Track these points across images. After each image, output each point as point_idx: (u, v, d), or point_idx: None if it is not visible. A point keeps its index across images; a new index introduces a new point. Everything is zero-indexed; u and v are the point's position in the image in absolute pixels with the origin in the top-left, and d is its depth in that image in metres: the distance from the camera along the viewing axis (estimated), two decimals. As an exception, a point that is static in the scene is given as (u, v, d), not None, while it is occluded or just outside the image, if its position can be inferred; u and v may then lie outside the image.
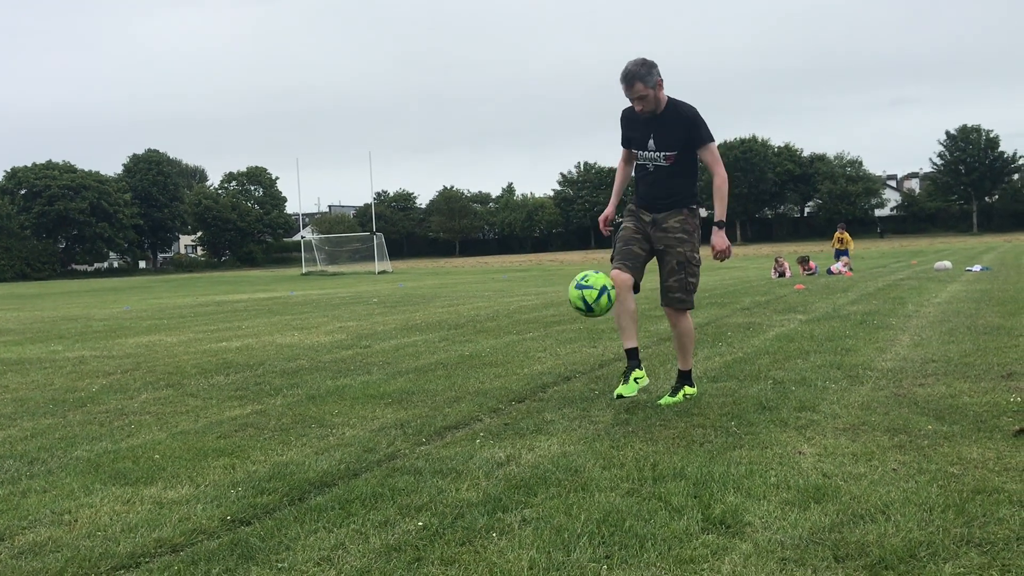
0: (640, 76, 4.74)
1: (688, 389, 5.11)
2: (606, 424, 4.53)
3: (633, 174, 5.24)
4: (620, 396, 4.82)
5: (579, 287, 4.91)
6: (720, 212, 4.88)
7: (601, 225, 5.29)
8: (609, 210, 5.26)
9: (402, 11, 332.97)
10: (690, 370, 5.17)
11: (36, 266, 77.46)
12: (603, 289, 4.86)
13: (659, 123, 4.89)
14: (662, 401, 4.99)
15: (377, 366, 7.17)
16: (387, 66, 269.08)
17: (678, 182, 4.96)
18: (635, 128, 5.01)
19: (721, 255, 4.93)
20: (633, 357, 4.92)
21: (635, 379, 4.86)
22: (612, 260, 5.07)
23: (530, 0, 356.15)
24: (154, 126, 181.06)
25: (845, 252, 22.87)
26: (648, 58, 4.80)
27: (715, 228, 4.92)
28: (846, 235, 23.14)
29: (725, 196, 4.90)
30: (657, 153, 4.93)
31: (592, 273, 5.00)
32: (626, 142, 5.14)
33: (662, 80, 4.81)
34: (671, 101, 4.90)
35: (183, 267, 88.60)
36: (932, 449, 3.76)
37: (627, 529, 2.92)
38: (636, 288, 4.99)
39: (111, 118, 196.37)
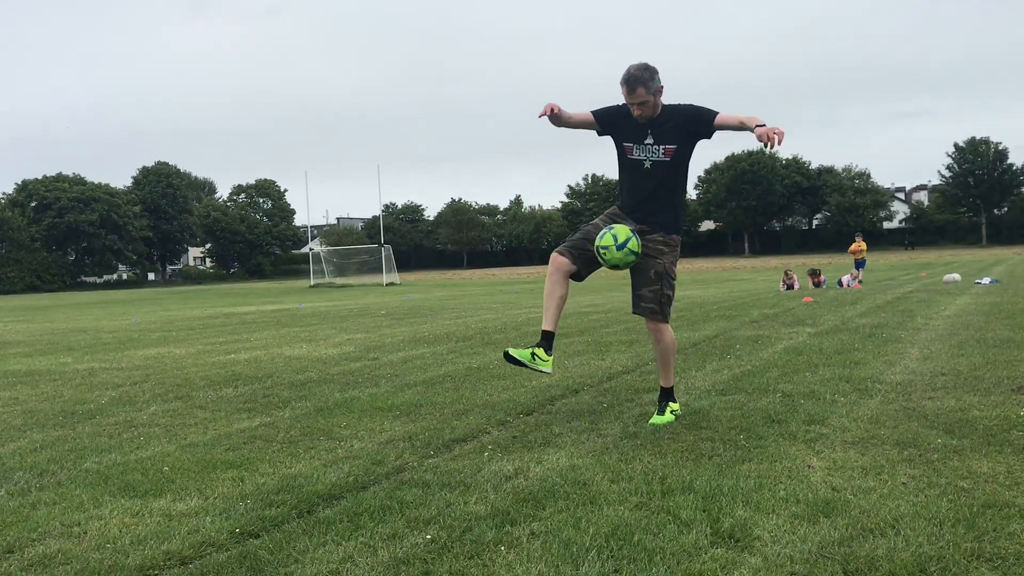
0: (643, 81, 4.68)
1: (673, 405, 4.99)
2: (614, 437, 4.53)
3: (621, 173, 5.03)
4: (511, 357, 4.75)
5: (635, 233, 4.73)
6: (752, 120, 4.55)
7: (546, 110, 4.79)
8: (563, 111, 4.86)
9: (411, 24, 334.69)
10: (672, 387, 5.06)
11: (46, 278, 77.84)
12: (638, 254, 4.75)
13: (656, 124, 4.81)
14: (652, 421, 4.87)
15: (385, 378, 7.17)
16: (396, 79, 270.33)
17: (672, 187, 4.87)
18: (632, 123, 4.85)
19: (768, 132, 4.38)
20: (547, 339, 4.82)
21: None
22: (563, 242, 4.93)
23: (538, 13, 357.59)
24: (164, 138, 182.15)
25: (863, 262, 23.41)
26: (650, 63, 4.75)
27: (757, 128, 4.48)
28: (863, 245, 23.91)
29: (752, 116, 4.61)
30: (657, 147, 4.81)
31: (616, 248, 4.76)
32: (607, 125, 4.92)
33: (663, 87, 4.77)
34: (666, 106, 4.83)
35: (192, 279, 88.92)
36: (942, 463, 3.74)
37: (636, 543, 2.91)
38: (579, 278, 4.91)
39: (121, 131, 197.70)
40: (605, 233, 4.76)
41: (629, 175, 4.97)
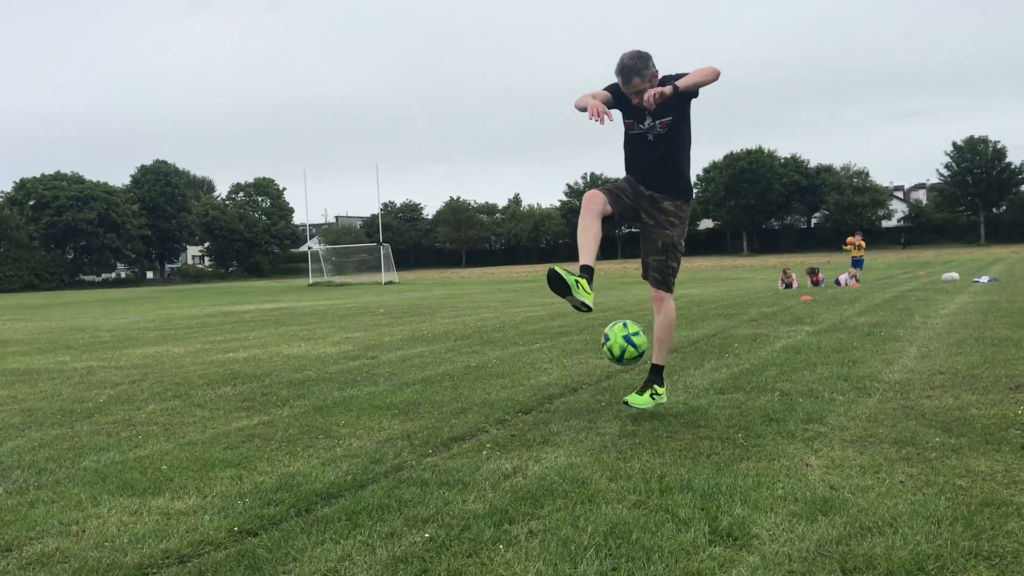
0: (637, 71, 4.69)
1: (658, 388, 4.98)
2: (613, 436, 4.53)
3: (626, 146, 5.06)
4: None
5: (627, 339, 4.99)
6: (683, 81, 4.61)
7: (596, 113, 4.65)
8: (604, 101, 4.84)
9: (410, 22, 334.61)
10: (663, 367, 5.08)
11: (44, 276, 77.79)
12: (642, 354, 5.04)
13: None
14: (628, 398, 4.92)
15: (384, 377, 7.17)
16: (394, 77, 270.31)
17: (676, 157, 4.89)
18: (630, 102, 4.87)
19: (646, 96, 4.50)
20: (587, 272, 4.65)
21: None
22: (607, 184, 4.96)
23: (537, 12, 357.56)
24: (162, 137, 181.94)
25: (861, 261, 23.42)
26: (643, 50, 4.75)
27: (669, 84, 4.57)
28: (863, 243, 23.98)
29: (701, 74, 4.66)
30: (654, 122, 4.84)
31: (642, 334, 5.06)
32: (615, 98, 4.91)
33: (658, 72, 4.77)
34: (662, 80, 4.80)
35: (190, 278, 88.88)
36: (940, 461, 3.74)
37: (634, 541, 2.91)
38: (611, 226, 4.87)
39: (119, 129, 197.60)
40: (641, 334, 5.04)
41: (633, 147, 5.01)
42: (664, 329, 5.04)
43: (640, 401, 4.93)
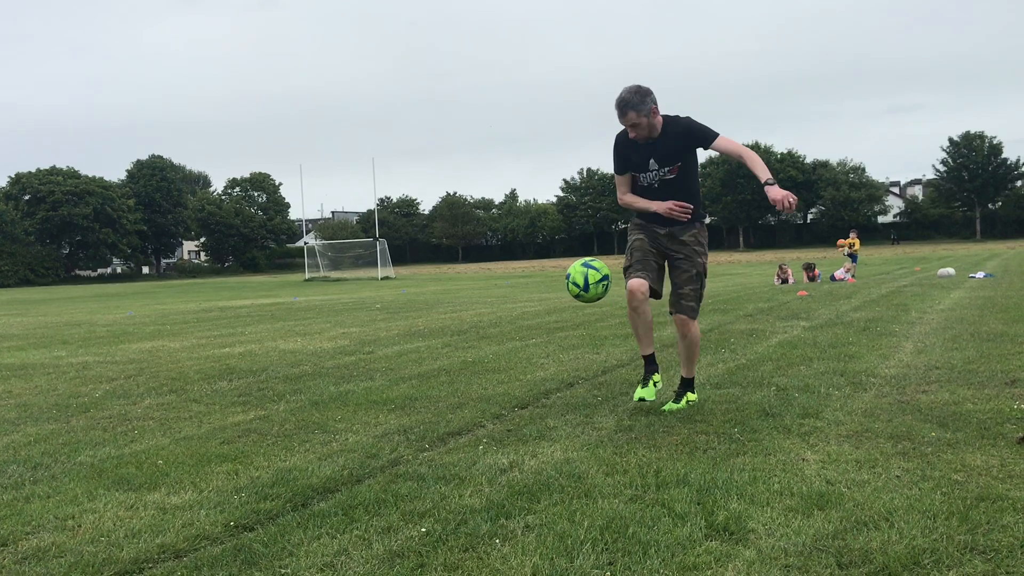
0: (633, 105, 4.72)
1: (690, 395, 5.15)
2: (609, 430, 4.53)
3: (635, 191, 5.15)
4: (641, 399, 4.92)
5: (585, 265, 5.11)
6: (764, 173, 4.73)
7: (678, 209, 4.84)
8: (658, 205, 4.92)
9: (406, 16, 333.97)
10: (693, 378, 5.20)
11: (40, 271, 77.55)
12: (605, 277, 5.08)
13: (658, 144, 4.87)
14: (666, 407, 5.00)
15: (380, 372, 7.17)
16: (391, 72, 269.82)
17: (686, 192, 4.95)
18: (633, 151, 4.94)
19: (782, 203, 4.56)
20: (651, 363, 5.04)
21: (654, 383, 5.00)
22: (627, 270, 5.01)
23: (533, 6, 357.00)
24: (158, 132, 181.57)
25: (855, 256, 23.57)
26: (643, 85, 4.77)
27: (768, 186, 4.67)
28: (857, 241, 24.11)
29: (758, 158, 4.81)
30: (661, 170, 4.90)
31: (599, 261, 5.21)
32: (623, 168, 5.05)
33: (657, 107, 4.80)
34: (665, 120, 4.87)
35: (186, 273, 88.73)
36: (936, 456, 3.75)
37: (630, 536, 2.91)
38: (657, 295, 4.98)
39: (115, 124, 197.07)
40: (597, 260, 5.15)
41: (644, 195, 5.02)
42: (691, 350, 5.10)
43: (678, 407, 5.04)
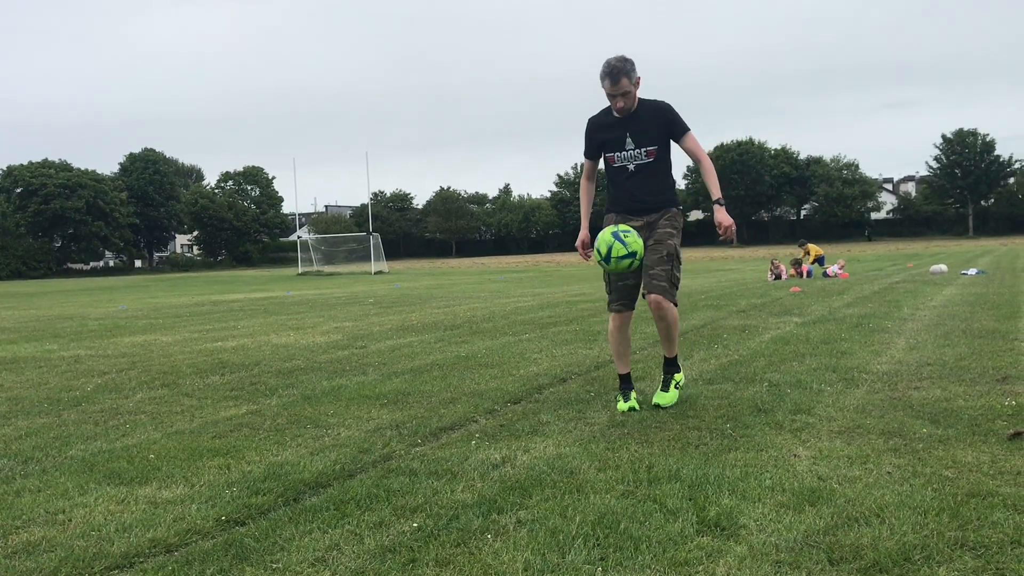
0: (626, 72, 4.77)
1: (677, 376, 5.12)
2: (601, 426, 4.54)
3: (608, 183, 5.15)
4: (632, 409, 4.90)
5: (615, 235, 4.77)
6: (716, 190, 4.89)
7: (581, 251, 5.22)
8: (584, 234, 5.20)
9: (400, 11, 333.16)
10: (676, 356, 5.16)
11: (32, 265, 77.27)
12: (632, 255, 4.75)
13: (634, 120, 4.91)
14: (656, 399, 4.98)
15: (373, 367, 7.16)
16: (385, 66, 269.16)
17: (662, 180, 4.98)
18: (608, 131, 4.99)
19: (727, 231, 4.81)
20: (626, 381, 5.08)
21: (634, 397, 5.02)
22: (610, 304, 5.09)
23: (527, 1, 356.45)
24: (151, 125, 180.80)
25: (821, 259, 22.54)
26: (626, 55, 4.84)
27: (716, 206, 4.87)
28: (811, 247, 22.79)
29: (715, 174, 4.94)
30: (638, 150, 4.92)
31: (635, 235, 4.82)
32: (595, 151, 5.11)
33: (640, 78, 4.87)
34: (642, 100, 4.94)
35: (179, 266, 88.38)
36: (927, 452, 3.76)
37: (622, 531, 2.92)
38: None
39: (107, 117, 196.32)
40: (632, 234, 4.82)
41: (618, 178, 5.05)
42: (669, 331, 5.07)
43: (668, 398, 5.00)
